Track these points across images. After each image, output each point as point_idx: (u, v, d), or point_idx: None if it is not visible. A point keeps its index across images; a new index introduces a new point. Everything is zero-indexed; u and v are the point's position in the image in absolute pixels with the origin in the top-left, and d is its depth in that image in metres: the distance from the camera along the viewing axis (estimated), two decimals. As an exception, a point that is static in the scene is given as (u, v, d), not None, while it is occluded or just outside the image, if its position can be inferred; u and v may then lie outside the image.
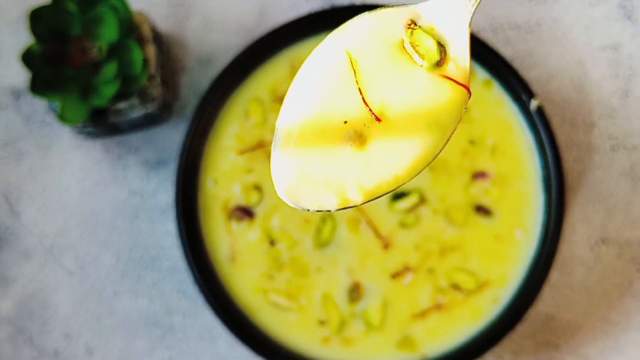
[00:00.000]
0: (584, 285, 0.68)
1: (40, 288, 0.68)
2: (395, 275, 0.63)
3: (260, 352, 0.61)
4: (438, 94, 0.32)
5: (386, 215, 0.63)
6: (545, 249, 0.61)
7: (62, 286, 0.68)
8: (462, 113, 0.33)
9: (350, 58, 0.33)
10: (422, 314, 0.62)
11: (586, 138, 0.69)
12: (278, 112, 0.63)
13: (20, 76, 0.71)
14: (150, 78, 0.64)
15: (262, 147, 0.65)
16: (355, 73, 0.33)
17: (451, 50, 0.33)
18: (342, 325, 0.62)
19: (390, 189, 0.33)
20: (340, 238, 0.63)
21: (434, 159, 0.33)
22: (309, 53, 0.63)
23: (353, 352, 0.62)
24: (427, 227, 0.63)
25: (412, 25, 0.33)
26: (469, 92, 0.32)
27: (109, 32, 0.60)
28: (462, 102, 0.33)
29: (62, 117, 0.61)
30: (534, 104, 0.62)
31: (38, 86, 0.60)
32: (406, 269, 0.63)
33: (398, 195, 0.63)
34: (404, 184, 0.33)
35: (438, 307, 0.62)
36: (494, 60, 0.63)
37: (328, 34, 0.64)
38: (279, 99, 0.65)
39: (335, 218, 0.63)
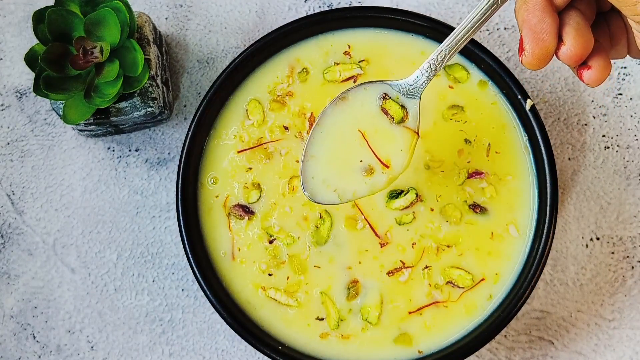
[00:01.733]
0: (578, 282, 0.68)
1: (43, 285, 0.69)
2: (392, 272, 0.63)
3: (259, 348, 0.61)
4: (404, 138, 0.53)
5: (383, 213, 0.63)
6: (539, 246, 0.62)
7: (64, 283, 0.69)
8: (414, 149, 0.54)
9: (362, 133, 0.53)
10: (419, 310, 0.63)
11: (580, 137, 0.70)
12: (277, 112, 0.64)
13: (24, 76, 0.71)
14: (151, 78, 0.65)
15: (261, 146, 0.65)
16: (367, 142, 0.53)
17: (409, 110, 0.53)
18: (340, 321, 0.63)
19: (371, 195, 0.55)
20: (338, 236, 0.63)
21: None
22: (308, 54, 0.64)
23: (351, 347, 0.63)
24: (424, 224, 0.63)
25: (385, 96, 0.53)
26: (418, 136, 0.54)
27: (111, 34, 0.60)
28: (415, 142, 0.53)
29: (65, 117, 0.61)
30: (528, 104, 0.62)
31: (41, 86, 0.60)
32: (403, 266, 0.63)
33: (395, 194, 0.63)
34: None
35: (434, 303, 0.63)
36: (488, 60, 0.63)
37: (326, 35, 0.66)
38: (278, 99, 0.66)
39: (332, 216, 0.63)
